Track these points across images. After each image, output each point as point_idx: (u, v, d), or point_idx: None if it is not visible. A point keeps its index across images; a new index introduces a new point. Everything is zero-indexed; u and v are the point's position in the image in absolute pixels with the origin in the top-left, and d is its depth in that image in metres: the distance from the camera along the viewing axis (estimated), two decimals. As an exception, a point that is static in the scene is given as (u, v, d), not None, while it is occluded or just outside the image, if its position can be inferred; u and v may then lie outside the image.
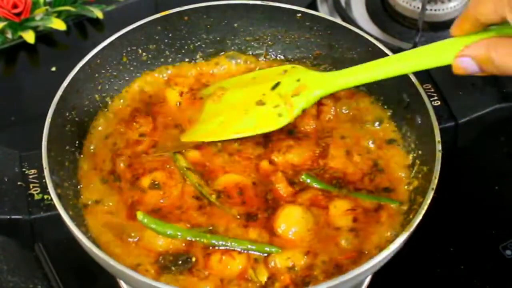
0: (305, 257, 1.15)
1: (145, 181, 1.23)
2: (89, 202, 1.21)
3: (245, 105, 1.30)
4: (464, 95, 1.35)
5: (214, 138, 1.29)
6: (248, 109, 1.30)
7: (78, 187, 1.23)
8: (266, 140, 1.30)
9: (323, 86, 1.26)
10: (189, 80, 1.39)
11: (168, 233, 1.16)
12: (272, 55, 1.45)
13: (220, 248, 1.15)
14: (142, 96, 1.38)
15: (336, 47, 1.39)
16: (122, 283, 1.30)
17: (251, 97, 1.30)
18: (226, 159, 1.27)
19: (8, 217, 1.18)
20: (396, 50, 1.27)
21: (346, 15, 1.75)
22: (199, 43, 1.44)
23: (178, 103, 1.36)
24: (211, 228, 1.18)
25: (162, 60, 1.42)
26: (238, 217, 1.19)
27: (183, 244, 1.16)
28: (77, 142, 1.29)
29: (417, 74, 1.28)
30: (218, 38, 1.44)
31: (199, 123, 1.32)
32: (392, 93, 1.33)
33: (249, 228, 1.18)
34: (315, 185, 1.24)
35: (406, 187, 1.24)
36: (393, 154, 1.29)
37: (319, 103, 1.32)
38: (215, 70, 1.43)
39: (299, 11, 1.40)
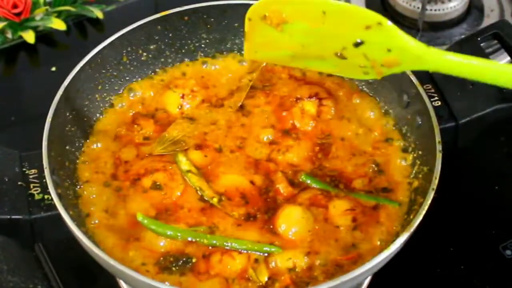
0: (306, 257, 1.15)
1: (147, 182, 1.23)
2: (90, 205, 1.21)
3: (320, 50, 1.13)
4: (464, 95, 1.35)
5: (286, 64, 1.24)
6: (325, 56, 1.14)
7: (79, 192, 1.23)
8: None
9: (418, 64, 1.08)
10: (190, 82, 1.39)
11: (168, 233, 1.16)
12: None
13: (221, 248, 1.15)
14: (143, 99, 1.38)
15: (336, 47, 1.39)
16: (122, 283, 1.30)
17: (327, 45, 1.12)
18: (228, 158, 1.28)
19: (8, 217, 1.18)
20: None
21: (346, 15, 1.75)
22: (199, 43, 1.44)
23: (179, 106, 1.35)
24: (211, 227, 1.18)
25: (162, 60, 1.42)
26: (237, 217, 1.19)
27: (184, 245, 1.16)
28: (77, 142, 1.29)
29: (417, 74, 1.28)
30: (218, 38, 1.44)
31: (258, 44, 1.17)
32: (392, 93, 1.33)
33: (250, 228, 1.18)
34: (315, 185, 1.24)
35: (406, 187, 1.24)
36: (393, 154, 1.29)
37: (319, 104, 1.33)
38: (215, 70, 1.43)
39: (299, 11, 1.40)
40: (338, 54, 1.11)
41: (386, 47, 1.08)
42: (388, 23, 1.06)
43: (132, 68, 1.39)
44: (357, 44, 1.09)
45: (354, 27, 1.08)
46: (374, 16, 1.06)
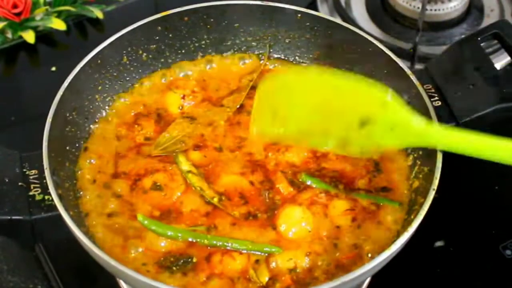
0: (307, 258, 1.15)
1: (147, 182, 1.23)
2: (91, 205, 1.21)
3: (323, 135, 1.16)
4: (465, 95, 1.34)
5: (291, 143, 1.26)
6: (329, 134, 1.16)
7: (79, 193, 1.23)
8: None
9: (420, 141, 1.09)
10: (191, 83, 1.39)
11: (168, 234, 1.15)
12: (272, 55, 1.45)
13: (221, 248, 1.15)
14: (143, 99, 1.38)
15: (336, 47, 1.39)
16: (122, 283, 1.30)
17: (331, 128, 1.14)
18: (228, 157, 1.28)
19: (9, 217, 1.18)
20: (396, 50, 1.27)
21: (346, 15, 1.75)
22: (199, 43, 1.43)
23: (180, 107, 1.35)
24: (211, 226, 1.18)
25: (162, 60, 1.42)
26: (238, 216, 1.20)
27: (185, 245, 1.16)
28: (77, 142, 1.29)
29: (417, 74, 1.28)
30: (218, 38, 1.44)
31: (265, 117, 1.18)
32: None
33: (250, 228, 1.18)
34: (315, 185, 1.24)
35: (406, 187, 1.24)
36: (393, 155, 1.29)
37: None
38: (215, 71, 1.43)
39: (299, 11, 1.40)
40: (341, 142, 1.14)
41: (390, 125, 1.08)
42: (394, 100, 1.07)
43: (132, 69, 1.39)
44: (362, 124, 1.10)
45: (363, 104, 1.10)
46: (381, 94, 1.08)
